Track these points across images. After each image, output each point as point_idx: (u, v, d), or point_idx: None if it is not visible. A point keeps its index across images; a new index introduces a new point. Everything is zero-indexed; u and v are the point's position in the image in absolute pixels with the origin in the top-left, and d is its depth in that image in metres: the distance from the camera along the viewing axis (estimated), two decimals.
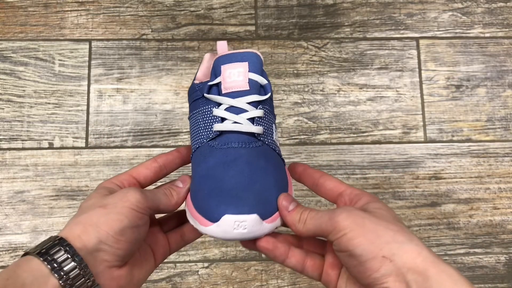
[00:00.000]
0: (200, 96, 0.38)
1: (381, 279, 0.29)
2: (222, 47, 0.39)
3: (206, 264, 0.76)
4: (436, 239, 0.78)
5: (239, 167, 0.35)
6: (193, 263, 0.76)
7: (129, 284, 0.33)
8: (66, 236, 0.30)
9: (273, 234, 0.35)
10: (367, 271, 0.29)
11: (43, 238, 0.75)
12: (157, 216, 0.40)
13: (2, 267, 0.74)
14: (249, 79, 0.36)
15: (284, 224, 0.35)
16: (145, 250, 0.36)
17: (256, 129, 0.36)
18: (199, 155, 0.37)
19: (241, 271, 0.76)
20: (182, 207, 0.38)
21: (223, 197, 0.33)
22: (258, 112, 0.36)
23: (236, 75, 0.36)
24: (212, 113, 0.37)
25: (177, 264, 0.76)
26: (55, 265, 0.29)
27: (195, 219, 0.35)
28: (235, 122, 0.36)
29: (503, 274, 0.77)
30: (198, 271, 0.76)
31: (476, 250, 0.78)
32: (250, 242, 0.35)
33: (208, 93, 0.37)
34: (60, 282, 0.28)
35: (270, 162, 0.36)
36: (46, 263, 0.29)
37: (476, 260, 0.77)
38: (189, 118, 0.40)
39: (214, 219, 0.33)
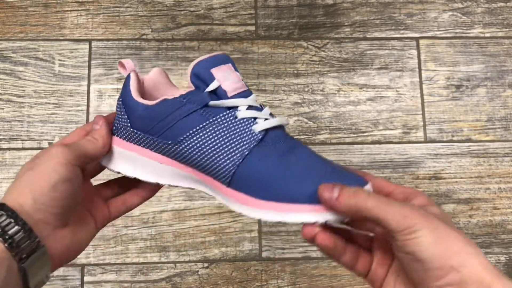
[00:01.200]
0: (198, 108, 0.34)
1: (444, 287, 0.28)
2: (129, 64, 0.39)
3: (206, 264, 0.76)
4: None
5: (305, 151, 0.34)
6: (193, 263, 0.76)
7: (73, 243, 0.34)
8: (5, 202, 0.31)
9: (331, 229, 0.32)
10: (430, 278, 0.28)
11: None
12: (94, 184, 0.40)
13: None
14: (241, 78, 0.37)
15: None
16: (84, 214, 0.37)
17: (288, 121, 0.36)
18: (254, 162, 0.33)
19: (241, 271, 0.76)
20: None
21: (320, 176, 0.31)
22: (267, 108, 0.36)
23: (231, 77, 0.35)
24: (236, 117, 0.34)
25: (177, 264, 0.76)
26: None
27: (283, 212, 0.32)
28: (267, 119, 0.34)
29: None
30: (198, 271, 0.76)
31: None
32: (306, 235, 0.32)
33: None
34: (6, 245, 0.29)
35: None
36: None
37: None
38: (182, 141, 0.35)
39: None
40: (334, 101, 0.82)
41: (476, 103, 0.83)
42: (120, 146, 0.38)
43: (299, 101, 0.81)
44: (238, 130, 0.33)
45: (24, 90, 0.81)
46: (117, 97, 0.41)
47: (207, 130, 0.34)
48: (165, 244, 0.76)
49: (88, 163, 0.36)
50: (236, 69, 0.37)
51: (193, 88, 0.35)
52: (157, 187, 0.40)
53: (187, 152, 0.35)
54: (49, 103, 0.80)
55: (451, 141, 0.81)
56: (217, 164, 0.34)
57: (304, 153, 0.34)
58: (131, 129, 0.37)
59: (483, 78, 0.84)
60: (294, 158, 0.33)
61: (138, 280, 0.75)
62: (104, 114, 0.40)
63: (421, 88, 0.83)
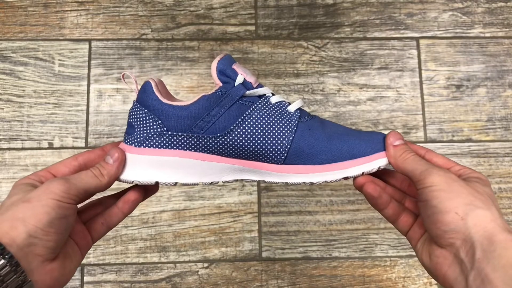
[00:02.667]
0: (237, 99, 0.38)
1: (449, 233, 0.31)
2: (133, 74, 0.41)
3: (206, 264, 0.76)
4: None
5: (330, 122, 0.41)
6: (193, 263, 0.76)
7: (62, 276, 0.33)
8: None
9: (381, 183, 0.39)
10: (437, 223, 0.31)
11: None
12: None
13: None
14: None
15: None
16: (71, 244, 0.36)
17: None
18: (304, 133, 0.38)
19: (241, 271, 0.76)
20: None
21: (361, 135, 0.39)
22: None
23: (248, 71, 0.40)
24: (271, 103, 0.39)
25: (177, 264, 0.76)
26: None
27: (348, 167, 0.38)
28: (289, 103, 0.40)
29: None
30: (198, 271, 0.76)
31: None
32: (359, 183, 0.38)
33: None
34: None
35: None
36: None
37: None
38: (231, 131, 0.38)
39: (377, 148, 0.38)
40: (334, 101, 0.82)
41: (476, 103, 0.83)
42: (155, 154, 0.38)
43: None
44: (277, 112, 0.38)
45: (24, 90, 0.80)
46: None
47: (252, 117, 0.38)
48: (165, 244, 0.76)
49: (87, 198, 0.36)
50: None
51: (220, 83, 0.38)
52: (137, 201, 0.40)
53: (238, 141, 0.38)
54: (49, 103, 0.80)
55: (451, 141, 0.81)
56: (270, 145, 0.38)
57: (331, 123, 0.40)
58: (169, 133, 0.37)
59: (483, 78, 0.84)
60: (330, 126, 0.39)
61: (138, 280, 0.75)
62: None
63: (421, 88, 0.83)
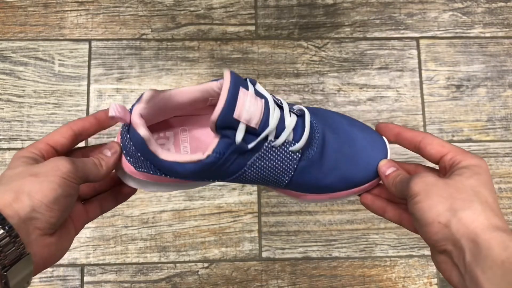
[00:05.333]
0: (240, 155, 0.36)
1: (439, 241, 0.32)
2: (122, 111, 0.35)
3: (206, 264, 0.76)
4: None
5: (331, 142, 0.42)
6: (193, 263, 0.76)
7: (58, 251, 0.34)
8: None
9: (375, 192, 0.41)
10: (427, 234, 0.32)
11: None
12: None
13: None
14: None
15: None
16: (67, 220, 0.36)
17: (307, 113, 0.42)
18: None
19: (241, 271, 0.76)
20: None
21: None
22: (286, 104, 0.42)
23: (252, 108, 0.35)
24: (274, 146, 0.37)
25: (177, 264, 0.76)
26: None
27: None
28: (296, 142, 0.40)
29: None
30: (198, 271, 0.76)
31: None
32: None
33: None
34: None
35: None
36: None
37: None
38: (235, 178, 0.37)
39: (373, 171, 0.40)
40: (334, 101, 0.82)
41: (476, 103, 0.83)
42: (157, 181, 0.38)
43: (299, 101, 0.81)
44: (280, 155, 0.37)
45: (24, 90, 0.80)
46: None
47: (256, 164, 0.37)
48: (165, 244, 0.76)
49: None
50: (247, 85, 0.35)
51: (217, 139, 0.34)
52: (132, 191, 0.41)
53: (241, 179, 0.38)
54: (49, 103, 0.80)
55: (452, 141, 0.81)
56: (271, 180, 0.39)
57: (330, 147, 0.40)
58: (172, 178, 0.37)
59: (483, 78, 0.84)
60: (327, 159, 0.39)
61: (138, 280, 0.75)
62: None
63: (421, 88, 0.83)
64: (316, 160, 0.39)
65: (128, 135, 0.35)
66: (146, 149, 0.35)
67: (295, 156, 0.38)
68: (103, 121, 0.38)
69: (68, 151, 0.38)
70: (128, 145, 0.36)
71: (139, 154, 0.35)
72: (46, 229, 0.32)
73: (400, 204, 0.40)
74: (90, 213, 0.39)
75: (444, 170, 0.36)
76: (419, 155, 0.39)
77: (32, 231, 0.31)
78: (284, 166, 0.38)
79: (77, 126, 0.37)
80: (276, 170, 0.38)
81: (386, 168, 0.39)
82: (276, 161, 0.37)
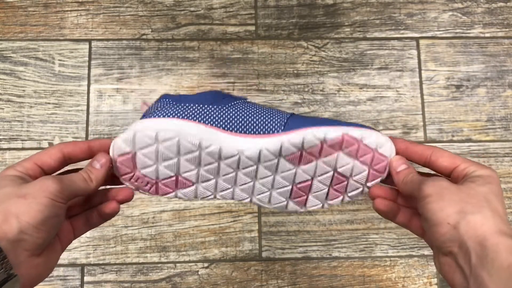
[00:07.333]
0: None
1: (446, 242, 0.32)
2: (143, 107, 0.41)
3: (206, 264, 0.76)
4: None
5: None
6: (193, 263, 0.76)
7: (45, 270, 0.34)
8: None
9: (393, 194, 0.41)
10: (434, 234, 0.33)
11: None
12: None
13: None
14: None
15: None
16: (54, 239, 0.36)
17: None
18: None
19: (241, 271, 0.76)
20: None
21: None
22: None
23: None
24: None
25: (177, 264, 0.76)
26: None
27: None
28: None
29: None
30: (198, 271, 0.76)
31: None
32: (372, 195, 0.41)
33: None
34: None
35: None
36: None
37: None
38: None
39: None
40: (334, 101, 0.82)
41: (476, 103, 0.83)
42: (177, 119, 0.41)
43: (299, 101, 0.81)
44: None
45: (24, 90, 0.81)
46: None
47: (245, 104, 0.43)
48: (165, 244, 0.76)
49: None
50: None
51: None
52: (117, 209, 0.40)
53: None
54: (49, 103, 0.80)
55: (451, 141, 0.81)
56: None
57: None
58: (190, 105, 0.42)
59: (483, 78, 0.84)
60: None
61: (138, 280, 0.75)
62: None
63: (421, 88, 0.83)
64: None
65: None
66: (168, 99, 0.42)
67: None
68: (96, 151, 0.38)
69: (54, 173, 0.37)
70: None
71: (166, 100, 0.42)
72: (34, 250, 0.32)
73: (410, 209, 0.40)
74: (76, 229, 0.39)
75: (456, 180, 0.37)
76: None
77: (20, 253, 0.31)
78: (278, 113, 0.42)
79: (68, 150, 0.37)
80: (271, 112, 0.42)
81: (398, 164, 0.39)
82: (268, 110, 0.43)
